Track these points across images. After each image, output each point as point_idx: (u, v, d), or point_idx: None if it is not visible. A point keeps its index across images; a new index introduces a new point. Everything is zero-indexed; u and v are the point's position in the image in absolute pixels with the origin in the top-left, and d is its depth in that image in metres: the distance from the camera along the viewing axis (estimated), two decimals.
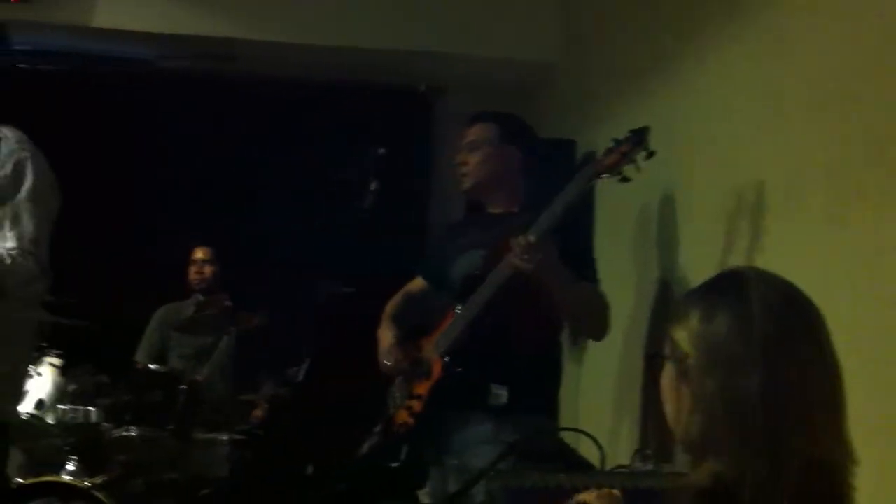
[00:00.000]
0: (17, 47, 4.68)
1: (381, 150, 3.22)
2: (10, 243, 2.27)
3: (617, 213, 3.61)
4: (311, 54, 4.82)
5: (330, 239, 3.20)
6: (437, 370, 2.69)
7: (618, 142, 2.49)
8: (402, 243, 4.44)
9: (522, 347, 2.65)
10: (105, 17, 4.60)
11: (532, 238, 2.49)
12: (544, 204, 2.60)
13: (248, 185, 5.15)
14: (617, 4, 4.00)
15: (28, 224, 2.32)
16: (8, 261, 2.23)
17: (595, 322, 2.77)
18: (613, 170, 2.48)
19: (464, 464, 2.56)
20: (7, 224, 2.31)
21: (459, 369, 2.63)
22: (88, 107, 5.03)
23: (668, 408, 1.35)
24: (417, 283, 3.13)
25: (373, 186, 3.17)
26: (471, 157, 2.97)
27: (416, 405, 2.71)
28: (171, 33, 4.64)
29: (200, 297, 4.92)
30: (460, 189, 3.06)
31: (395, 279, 3.17)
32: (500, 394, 2.57)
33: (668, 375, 1.34)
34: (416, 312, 3.08)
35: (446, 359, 2.67)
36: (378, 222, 3.10)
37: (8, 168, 2.36)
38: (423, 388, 2.72)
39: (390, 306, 3.08)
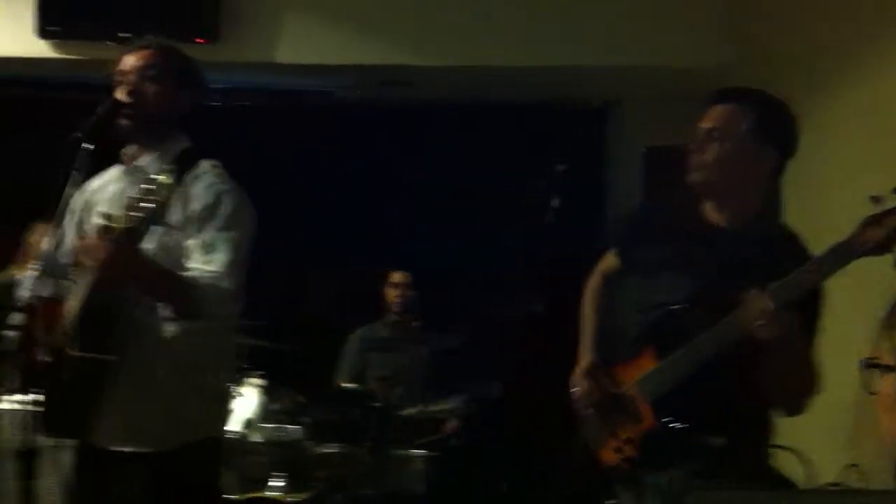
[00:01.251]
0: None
1: (561, 167, 3.18)
2: (206, 267, 2.41)
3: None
4: (485, 75, 4.90)
5: (516, 257, 3.18)
6: (647, 416, 2.46)
7: (885, 212, 2.11)
8: (583, 259, 4.39)
9: (744, 401, 2.36)
10: (288, 53, 4.83)
11: (772, 305, 2.17)
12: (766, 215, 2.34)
13: (432, 206, 5.23)
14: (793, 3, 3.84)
15: (221, 249, 2.44)
16: (203, 281, 2.35)
17: (802, 399, 2.37)
18: (884, 249, 2.12)
19: (662, 484, 2.46)
20: (203, 250, 2.44)
21: (680, 426, 2.38)
22: (277, 139, 5.26)
23: (889, 421, 1.26)
24: (611, 263, 2.75)
25: (553, 203, 3.13)
26: (710, 148, 2.42)
27: (629, 450, 2.49)
28: (351, 64, 4.82)
29: (395, 318, 5.08)
30: (687, 180, 2.47)
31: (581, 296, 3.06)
32: (718, 442, 2.35)
33: (891, 387, 1.26)
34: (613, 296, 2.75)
35: (659, 410, 2.42)
36: (559, 238, 3.05)
37: (206, 199, 2.49)
38: (633, 432, 2.49)
39: (592, 297, 2.75)
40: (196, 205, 2.48)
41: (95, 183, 2.69)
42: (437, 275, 5.01)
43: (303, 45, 4.82)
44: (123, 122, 2.56)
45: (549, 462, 2.88)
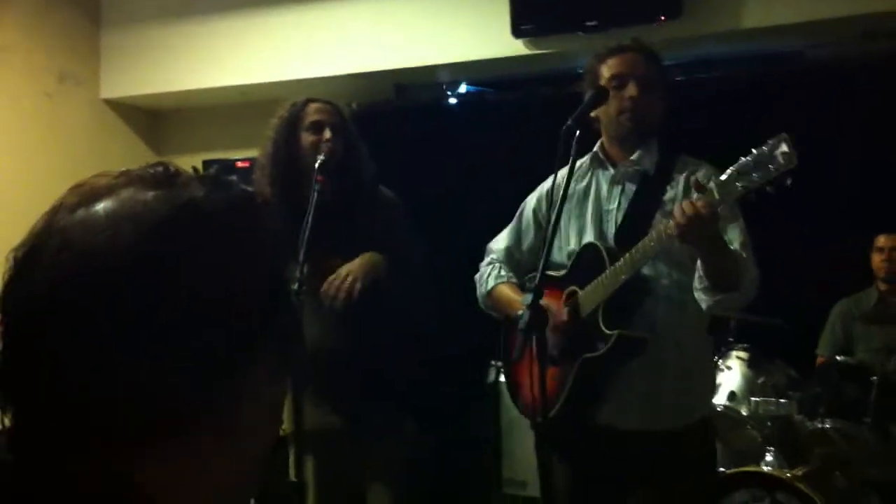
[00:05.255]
0: (669, 62, 4.92)
1: None
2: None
3: None
4: None
5: None
6: None
7: None
8: None
9: None
10: (754, 17, 4.65)
11: None
12: None
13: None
14: None
15: (737, 233, 2.55)
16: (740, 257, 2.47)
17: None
18: None
19: None
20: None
21: None
22: (749, 108, 5.04)
23: None
24: None
25: None
26: None
27: None
28: (823, 19, 4.52)
29: (882, 286, 4.71)
30: None
31: None
32: None
33: None
34: None
35: None
36: None
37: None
38: None
39: None
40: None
41: (554, 178, 2.84)
42: None
43: (770, 6, 4.61)
44: (625, 122, 2.69)
45: None
